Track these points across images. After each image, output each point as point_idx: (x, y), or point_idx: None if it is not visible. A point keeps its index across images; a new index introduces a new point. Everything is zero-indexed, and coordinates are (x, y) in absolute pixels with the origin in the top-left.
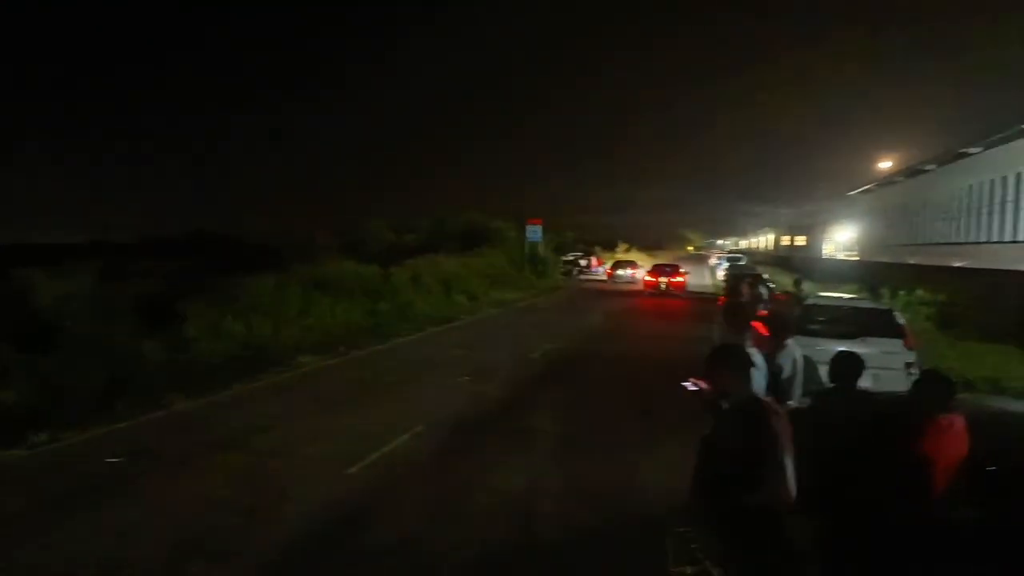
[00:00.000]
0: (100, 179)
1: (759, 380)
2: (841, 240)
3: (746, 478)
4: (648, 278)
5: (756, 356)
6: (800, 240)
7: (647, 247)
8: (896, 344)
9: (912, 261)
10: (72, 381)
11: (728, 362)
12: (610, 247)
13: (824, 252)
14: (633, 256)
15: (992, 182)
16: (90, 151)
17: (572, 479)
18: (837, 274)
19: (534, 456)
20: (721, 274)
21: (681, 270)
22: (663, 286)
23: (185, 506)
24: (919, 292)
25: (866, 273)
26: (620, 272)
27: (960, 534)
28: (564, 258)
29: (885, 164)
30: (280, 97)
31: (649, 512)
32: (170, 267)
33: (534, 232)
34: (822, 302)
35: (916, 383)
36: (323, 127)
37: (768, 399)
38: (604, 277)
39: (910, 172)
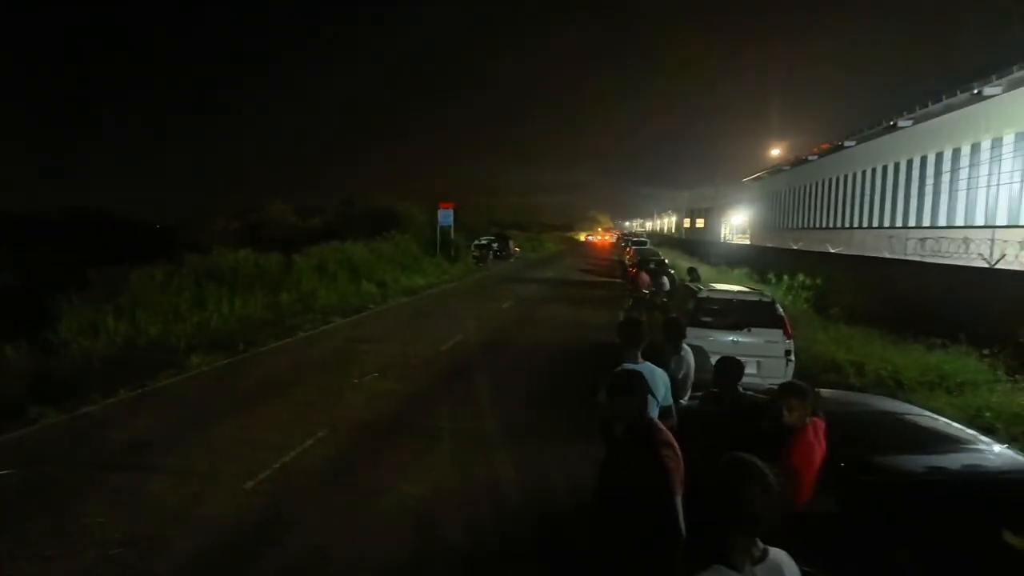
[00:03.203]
0: None
1: (660, 391)
2: (736, 224)
3: (640, 514)
4: (599, 239)
5: (656, 371)
6: (700, 223)
7: (557, 228)
8: (777, 334)
9: (795, 246)
10: None
11: (625, 388)
12: (524, 229)
13: (721, 236)
14: (554, 236)
15: (863, 173)
16: None
17: (482, 482)
18: (731, 258)
19: (444, 458)
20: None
21: (608, 237)
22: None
23: (54, 540)
24: (800, 277)
25: (756, 257)
26: (590, 238)
27: (819, 526)
28: (476, 242)
29: (776, 152)
30: (184, 68)
31: (557, 513)
32: (41, 254)
33: (446, 216)
34: (713, 295)
35: (779, 389)
36: (227, 104)
37: (662, 427)
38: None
39: (796, 161)
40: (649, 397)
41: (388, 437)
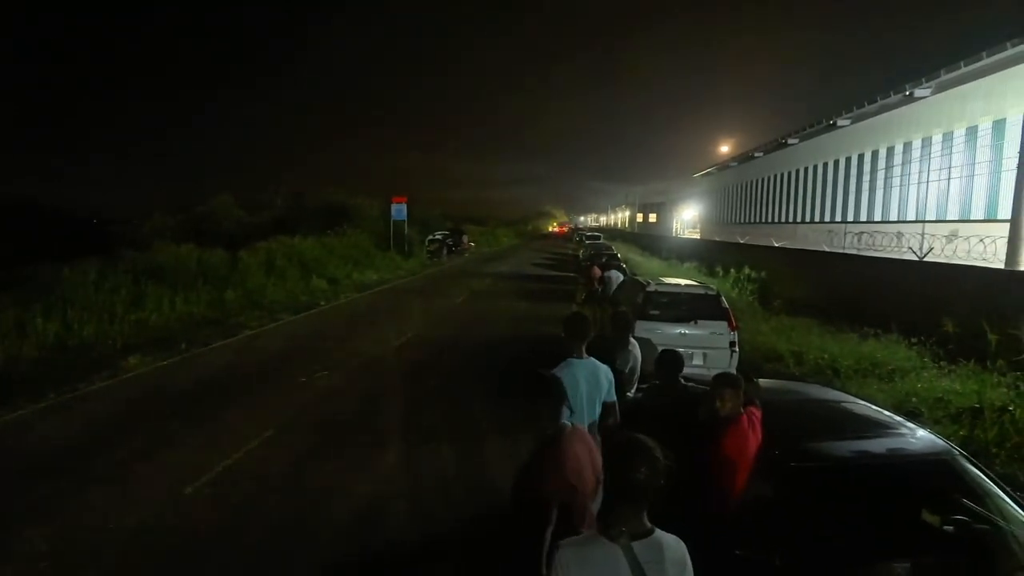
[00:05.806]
0: None
1: (603, 387)
2: (687, 219)
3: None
4: (558, 231)
5: (600, 367)
6: (652, 218)
7: (513, 223)
8: (722, 326)
9: (742, 241)
10: None
11: (547, 393)
12: (480, 223)
13: (673, 230)
14: (509, 231)
15: (805, 169)
16: None
17: (434, 483)
18: (682, 252)
19: (393, 457)
20: (569, 228)
21: (565, 228)
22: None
23: None
24: (746, 270)
25: (706, 251)
26: (551, 230)
27: (755, 511)
28: (430, 237)
29: (725, 148)
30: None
31: (504, 507)
32: None
33: (399, 210)
34: (662, 289)
35: (713, 380)
36: (175, 97)
37: (573, 428)
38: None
39: (743, 157)
40: (602, 381)
41: (336, 437)
